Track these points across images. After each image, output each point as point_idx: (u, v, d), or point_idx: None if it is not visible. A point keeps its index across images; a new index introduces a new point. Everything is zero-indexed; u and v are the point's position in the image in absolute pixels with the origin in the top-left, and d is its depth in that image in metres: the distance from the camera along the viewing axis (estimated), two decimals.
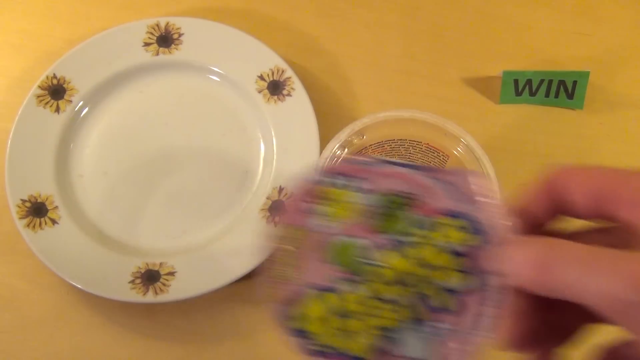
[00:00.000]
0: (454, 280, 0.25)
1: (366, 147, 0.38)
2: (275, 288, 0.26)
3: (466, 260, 0.25)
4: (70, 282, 0.45)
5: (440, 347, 0.25)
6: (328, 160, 0.35)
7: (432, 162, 0.40)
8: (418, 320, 0.25)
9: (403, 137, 0.38)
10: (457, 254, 0.25)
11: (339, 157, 0.36)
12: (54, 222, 0.48)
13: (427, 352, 0.25)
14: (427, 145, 0.39)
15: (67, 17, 0.57)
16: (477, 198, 0.25)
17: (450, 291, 0.25)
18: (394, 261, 0.25)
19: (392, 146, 0.39)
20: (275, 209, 0.48)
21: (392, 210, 0.25)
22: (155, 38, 0.53)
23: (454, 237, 0.25)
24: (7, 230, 0.48)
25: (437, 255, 0.25)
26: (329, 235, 0.26)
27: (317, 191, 0.26)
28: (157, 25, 0.53)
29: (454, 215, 0.25)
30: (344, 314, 0.25)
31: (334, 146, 0.36)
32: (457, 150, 0.38)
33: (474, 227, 0.25)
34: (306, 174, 0.26)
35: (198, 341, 0.46)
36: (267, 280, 0.26)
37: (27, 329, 0.47)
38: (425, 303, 0.25)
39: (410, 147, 0.39)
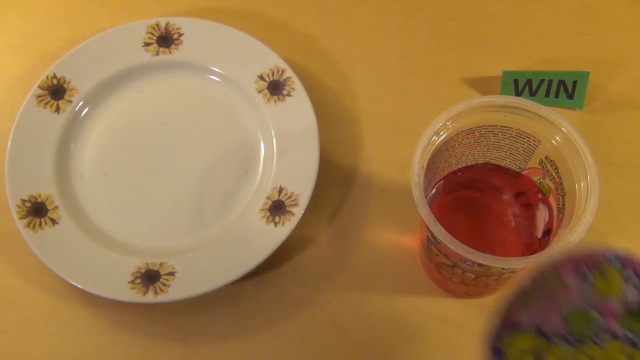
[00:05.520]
0: None
1: (457, 133, 0.40)
2: (507, 309, 0.30)
3: None
4: (70, 282, 0.45)
5: None
6: (423, 146, 0.38)
7: (520, 148, 0.42)
8: None
9: (493, 122, 0.40)
10: None
11: (434, 143, 0.38)
12: (54, 222, 0.48)
13: None
14: (517, 131, 0.40)
15: (67, 17, 0.57)
16: None
17: None
18: (611, 351, 0.29)
19: (482, 132, 0.40)
20: (275, 209, 0.48)
21: None
22: (155, 38, 0.53)
23: None
24: (7, 230, 0.48)
25: None
26: (579, 299, 0.29)
27: (597, 262, 0.30)
28: (157, 25, 0.53)
29: None
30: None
31: (431, 132, 0.38)
32: (556, 140, 0.39)
33: None
34: (603, 247, 0.30)
35: (198, 341, 0.46)
36: (506, 299, 0.29)
37: (27, 329, 0.47)
38: None
39: (500, 133, 0.41)
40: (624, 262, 0.30)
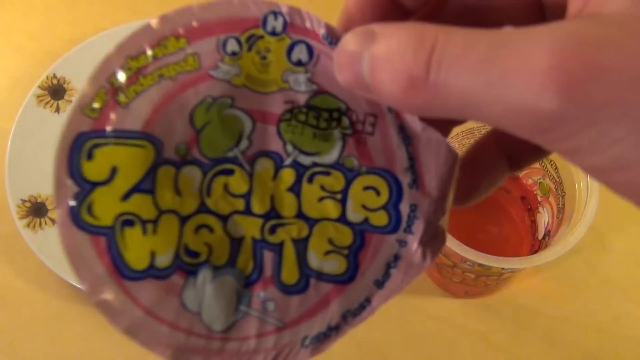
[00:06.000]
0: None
1: (457, 133, 0.39)
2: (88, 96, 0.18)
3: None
4: (70, 282, 0.45)
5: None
6: None
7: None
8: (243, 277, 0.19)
9: None
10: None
11: None
12: (54, 222, 0.48)
13: (213, 317, 0.19)
14: None
15: (67, 17, 0.57)
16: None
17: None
18: (257, 179, 0.19)
19: (482, 132, 0.40)
20: None
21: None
22: None
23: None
24: (7, 230, 0.48)
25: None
26: (214, 89, 0.18)
27: (248, 28, 0.18)
28: None
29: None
30: (150, 193, 0.18)
31: None
32: None
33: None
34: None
35: None
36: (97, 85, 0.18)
37: (27, 329, 0.47)
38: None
39: None
40: (293, 30, 0.19)
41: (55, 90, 0.51)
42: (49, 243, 0.47)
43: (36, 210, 0.48)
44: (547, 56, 0.13)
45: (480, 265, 0.36)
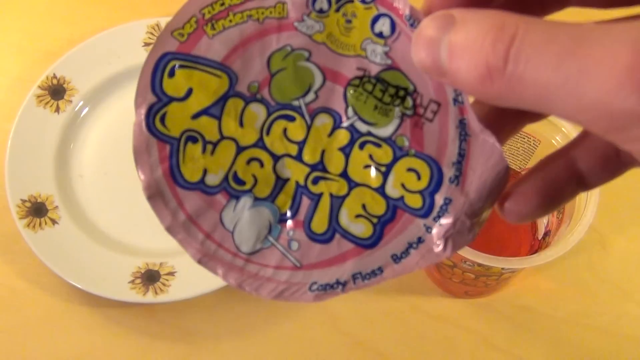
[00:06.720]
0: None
1: None
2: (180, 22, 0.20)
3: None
4: (70, 282, 0.45)
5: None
6: None
7: (520, 148, 0.41)
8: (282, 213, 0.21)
9: None
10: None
11: None
12: (54, 222, 0.48)
13: (248, 244, 0.21)
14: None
15: (67, 17, 0.57)
16: None
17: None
18: (314, 137, 0.20)
19: None
20: None
21: None
22: (155, 38, 0.53)
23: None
24: (7, 230, 0.48)
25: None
26: (297, 40, 0.20)
27: None
28: (157, 25, 0.53)
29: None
30: (215, 117, 0.20)
31: None
32: (556, 140, 0.38)
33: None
34: None
35: (198, 341, 0.46)
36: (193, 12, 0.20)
37: (27, 329, 0.47)
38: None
39: None
40: (381, 2, 0.20)
41: (55, 90, 0.51)
42: (49, 243, 0.47)
43: (36, 210, 0.48)
44: (627, 55, 0.13)
45: (480, 265, 0.36)
